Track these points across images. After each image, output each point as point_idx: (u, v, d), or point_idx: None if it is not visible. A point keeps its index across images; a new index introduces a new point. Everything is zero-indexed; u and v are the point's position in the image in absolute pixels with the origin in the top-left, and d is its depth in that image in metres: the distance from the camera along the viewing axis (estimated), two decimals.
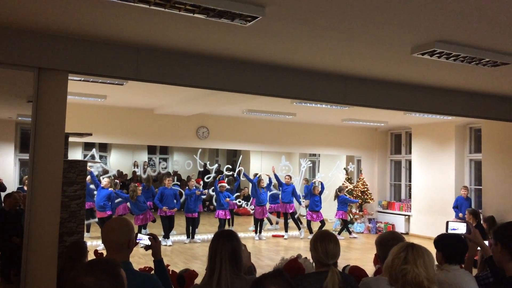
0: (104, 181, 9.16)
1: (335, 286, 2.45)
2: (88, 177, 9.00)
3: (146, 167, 11.70)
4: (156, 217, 10.33)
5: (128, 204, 9.66)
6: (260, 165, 14.30)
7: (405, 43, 4.30)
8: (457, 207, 9.86)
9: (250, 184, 11.63)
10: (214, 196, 10.65)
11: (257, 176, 11.30)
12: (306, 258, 3.26)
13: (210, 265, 2.40)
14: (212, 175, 11.12)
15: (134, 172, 15.01)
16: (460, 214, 9.61)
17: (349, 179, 12.81)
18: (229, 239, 2.45)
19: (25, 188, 8.16)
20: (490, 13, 3.42)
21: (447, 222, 2.99)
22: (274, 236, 11.24)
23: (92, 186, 9.39)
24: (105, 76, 4.75)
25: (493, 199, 9.16)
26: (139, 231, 7.99)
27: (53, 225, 4.15)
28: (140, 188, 9.48)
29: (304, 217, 11.78)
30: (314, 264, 2.75)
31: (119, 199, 9.53)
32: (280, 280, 1.81)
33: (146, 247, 2.71)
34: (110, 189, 9.17)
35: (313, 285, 2.51)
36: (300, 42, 4.37)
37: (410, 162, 12.25)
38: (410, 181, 12.21)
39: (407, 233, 11.64)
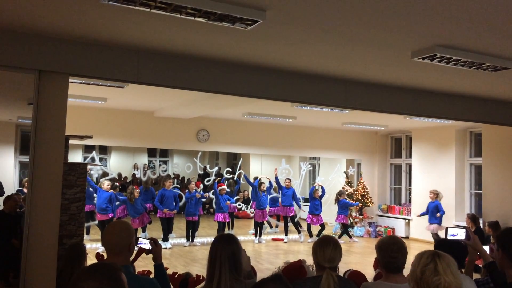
0: (106, 183, 9.16)
1: None
2: None
3: (146, 169, 11.70)
4: (155, 220, 10.33)
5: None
6: (260, 168, 14.30)
7: (405, 48, 4.30)
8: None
9: (250, 187, 11.62)
10: (214, 199, 10.64)
11: (258, 179, 11.29)
12: (310, 266, 3.26)
13: (210, 269, 2.40)
14: (212, 178, 11.12)
15: (134, 175, 15.00)
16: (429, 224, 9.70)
17: (349, 183, 12.80)
18: (229, 243, 2.44)
19: (25, 190, 8.16)
20: (491, 18, 3.43)
21: (446, 229, 2.98)
22: (274, 239, 11.22)
23: (92, 189, 9.39)
24: (106, 79, 4.76)
25: (494, 203, 9.15)
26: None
27: (53, 228, 4.15)
28: (138, 190, 9.46)
29: (304, 220, 11.77)
30: (314, 268, 2.77)
31: (118, 202, 9.53)
32: (280, 284, 1.81)
33: (147, 252, 2.71)
34: (111, 191, 9.17)
35: None
36: (301, 46, 4.37)
37: (410, 166, 12.24)
38: (410, 185, 12.20)
39: (407, 237, 11.62)
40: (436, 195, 9.82)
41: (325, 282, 2.48)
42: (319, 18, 3.55)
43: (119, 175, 15.01)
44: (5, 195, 7.53)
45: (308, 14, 3.46)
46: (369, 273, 4.55)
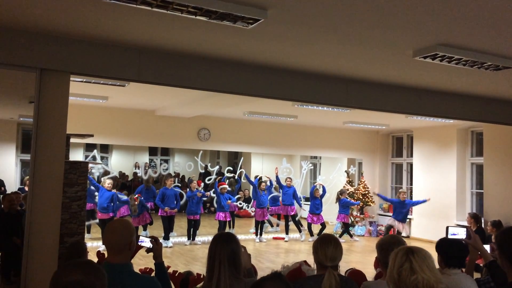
0: (107, 182, 9.17)
1: None
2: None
3: (147, 168, 11.70)
4: (156, 219, 10.33)
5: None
6: (261, 167, 14.29)
7: (407, 47, 4.30)
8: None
9: (251, 186, 11.62)
10: (215, 198, 10.64)
11: (257, 178, 11.28)
12: (310, 269, 3.25)
13: (209, 268, 2.39)
14: (213, 176, 11.12)
15: (135, 174, 15.00)
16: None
17: (350, 182, 12.79)
18: (228, 242, 2.44)
19: (26, 188, 8.16)
20: (492, 17, 3.42)
21: (447, 228, 2.97)
22: (274, 238, 11.22)
23: (93, 187, 9.39)
24: (107, 77, 4.77)
25: (495, 202, 9.13)
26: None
27: (54, 226, 4.16)
28: (137, 202, 9.43)
29: (305, 219, 11.77)
30: (315, 267, 2.76)
31: (118, 202, 9.50)
32: (279, 282, 1.80)
33: (148, 250, 2.71)
34: (113, 190, 9.18)
35: (313, 287, 2.51)
36: (302, 45, 4.37)
37: (411, 165, 12.23)
38: (411, 184, 12.19)
39: (408, 237, 11.61)
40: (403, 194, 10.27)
41: (327, 281, 2.47)
42: (320, 17, 3.54)
43: (121, 174, 15.02)
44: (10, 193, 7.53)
45: (309, 13, 3.46)
46: (370, 272, 4.55)
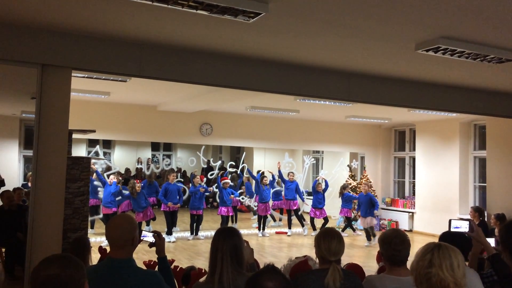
0: (110, 177, 9.20)
1: (336, 283, 2.44)
2: (94, 175, 9.03)
3: (149, 163, 11.71)
4: (159, 214, 10.37)
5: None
6: (264, 162, 14.29)
7: (409, 40, 4.28)
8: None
9: (253, 181, 11.62)
10: (218, 193, 10.65)
11: (260, 173, 11.26)
12: (315, 262, 3.25)
13: (212, 262, 2.39)
14: (216, 171, 11.12)
15: (137, 169, 15.03)
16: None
17: (352, 176, 12.77)
18: (230, 236, 2.44)
19: (29, 184, 8.18)
20: (495, 9, 3.40)
21: (450, 221, 2.97)
22: (277, 233, 11.24)
23: (96, 183, 9.42)
24: (109, 72, 4.76)
25: (498, 196, 9.12)
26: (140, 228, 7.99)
27: (57, 222, 4.17)
28: (139, 184, 9.44)
29: (308, 214, 11.78)
30: (317, 261, 2.76)
31: (120, 197, 9.51)
32: (276, 275, 1.79)
33: (150, 244, 2.71)
34: (117, 185, 9.22)
35: (315, 282, 2.50)
36: (304, 39, 4.35)
37: (414, 159, 12.21)
38: (414, 178, 12.17)
39: (410, 230, 11.62)
40: (369, 187, 10.44)
41: (331, 276, 2.46)
42: (322, 10, 3.52)
43: (126, 169, 15.07)
44: (9, 189, 7.52)
45: (311, 6, 3.44)
46: (373, 266, 4.56)
